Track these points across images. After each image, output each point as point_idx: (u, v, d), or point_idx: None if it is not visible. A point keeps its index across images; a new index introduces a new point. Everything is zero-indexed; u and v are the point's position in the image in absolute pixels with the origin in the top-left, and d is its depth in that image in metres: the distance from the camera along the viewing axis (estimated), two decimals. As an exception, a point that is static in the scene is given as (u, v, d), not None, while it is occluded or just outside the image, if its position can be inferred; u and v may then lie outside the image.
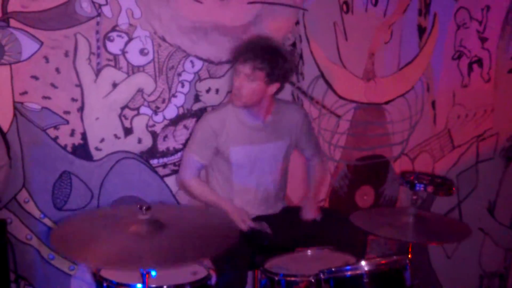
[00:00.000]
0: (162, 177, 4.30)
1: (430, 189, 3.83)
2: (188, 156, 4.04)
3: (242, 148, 3.95)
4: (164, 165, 4.29)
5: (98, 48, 4.05)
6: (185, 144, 4.25)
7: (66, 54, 3.99)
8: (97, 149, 4.13)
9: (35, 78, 3.95)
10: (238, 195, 4.03)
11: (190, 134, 4.20)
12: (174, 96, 4.25)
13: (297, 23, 4.52)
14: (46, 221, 4.07)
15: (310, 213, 3.98)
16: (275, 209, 4.12)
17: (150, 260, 2.82)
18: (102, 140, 4.13)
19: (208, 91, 4.34)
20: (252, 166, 3.99)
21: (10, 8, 3.84)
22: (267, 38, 4.06)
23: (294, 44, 4.52)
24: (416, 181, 3.75)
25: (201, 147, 3.98)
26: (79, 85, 4.04)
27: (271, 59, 3.79)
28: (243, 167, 3.99)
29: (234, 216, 3.82)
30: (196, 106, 4.31)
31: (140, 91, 4.17)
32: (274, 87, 3.88)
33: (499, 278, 5.42)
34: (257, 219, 3.95)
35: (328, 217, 4.00)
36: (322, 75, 4.65)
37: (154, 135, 4.24)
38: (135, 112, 4.18)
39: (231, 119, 3.95)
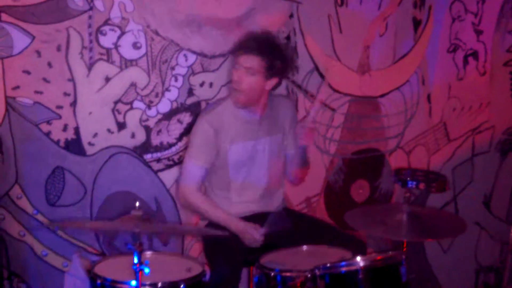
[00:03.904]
0: (156, 172, 4.27)
1: (422, 186, 3.83)
2: (190, 164, 3.93)
3: (241, 144, 3.91)
4: (158, 160, 4.26)
5: (91, 42, 4.02)
6: (179, 139, 4.23)
7: (58, 48, 3.96)
8: (90, 144, 4.10)
9: (27, 72, 3.92)
10: (237, 193, 3.99)
11: (185, 130, 4.21)
12: (167, 90, 4.23)
13: (291, 16, 4.49)
14: (39, 217, 4.05)
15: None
16: (274, 207, 4.07)
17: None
18: (95, 135, 4.10)
19: (201, 84, 4.31)
20: (250, 163, 3.96)
21: (1, 2, 3.81)
22: (268, 33, 4.03)
23: (288, 38, 4.50)
24: (408, 179, 3.74)
25: (204, 150, 3.89)
26: (72, 80, 4.01)
27: (272, 53, 3.79)
28: (242, 164, 3.95)
29: (246, 237, 3.76)
30: (190, 100, 4.28)
31: (133, 85, 4.14)
32: (272, 82, 3.87)
33: (495, 272, 5.40)
34: (255, 216, 3.93)
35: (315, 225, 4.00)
36: (317, 68, 4.62)
37: (148, 129, 4.21)
38: (128, 107, 4.15)
39: (228, 117, 3.90)
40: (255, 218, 3.90)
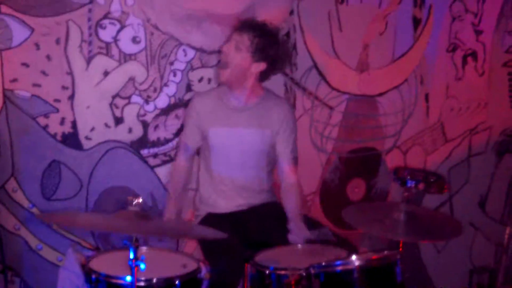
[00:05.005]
0: (152, 168, 4.27)
1: (421, 186, 3.81)
2: (180, 138, 4.15)
3: (221, 129, 3.94)
4: (155, 155, 4.25)
5: (90, 35, 4.01)
6: (176, 134, 4.22)
7: (57, 42, 3.95)
8: (87, 138, 4.10)
9: (26, 65, 3.91)
10: (216, 184, 4.01)
11: (182, 126, 4.22)
12: (166, 85, 4.22)
13: (292, 12, 4.49)
14: (35, 210, 4.04)
15: (300, 236, 3.76)
16: (256, 201, 4.06)
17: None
18: (92, 129, 4.10)
19: (200, 80, 4.30)
20: (231, 151, 3.96)
21: (1, -6, 3.80)
22: (269, 23, 4.02)
23: (288, 34, 4.49)
24: (408, 178, 3.72)
25: (189, 129, 4.04)
26: (70, 73, 4.01)
27: (264, 38, 3.87)
28: (222, 152, 3.96)
29: None
30: (188, 96, 4.27)
31: (131, 79, 4.14)
32: (259, 66, 3.89)
33: (489, 273, 5.40)
34: (243, 212, 3.97)
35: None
36: (316, 66, 4.61)
37: (145, 124, 4.21)
38: (126, 101, 4.15)
39: (214, 100, 3.99)
40: (244, 213, 3.98)
